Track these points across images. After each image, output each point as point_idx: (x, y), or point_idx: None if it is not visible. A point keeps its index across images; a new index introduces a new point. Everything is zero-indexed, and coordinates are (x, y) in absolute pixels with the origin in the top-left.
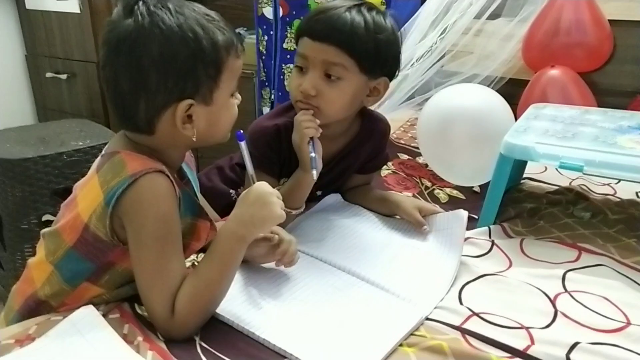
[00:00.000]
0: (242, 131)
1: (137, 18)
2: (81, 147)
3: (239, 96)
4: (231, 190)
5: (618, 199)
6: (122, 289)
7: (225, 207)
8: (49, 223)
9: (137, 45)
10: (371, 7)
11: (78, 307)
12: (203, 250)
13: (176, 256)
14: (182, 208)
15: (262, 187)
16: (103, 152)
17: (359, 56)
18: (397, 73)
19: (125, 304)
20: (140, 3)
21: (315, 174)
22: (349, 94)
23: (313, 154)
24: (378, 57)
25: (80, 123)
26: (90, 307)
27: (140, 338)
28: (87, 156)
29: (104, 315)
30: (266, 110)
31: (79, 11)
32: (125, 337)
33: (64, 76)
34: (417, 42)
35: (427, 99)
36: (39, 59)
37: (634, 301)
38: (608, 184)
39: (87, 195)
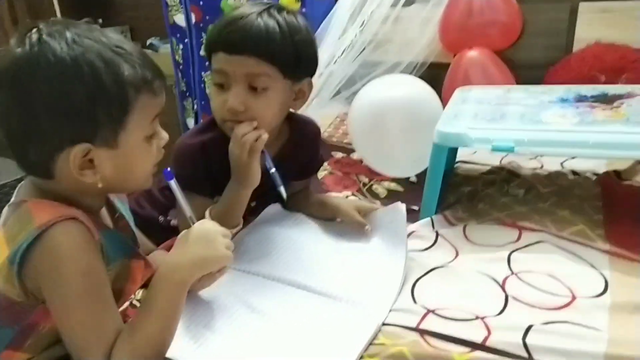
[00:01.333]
0: (169, 168)
1: (24, 48)
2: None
3: (164, 135)
4: (160, 216)
5: (546, 172)
6: (51, 350)
7: (154, 234)
8: None
9: (21, 79)
10: (280, 9)
11: None
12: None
13: (107, 310)
14: (108, 252)
15: (205, 225)
16: (11, 201)
17: (280, 62)
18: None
19: None
20: (34, 30)
21: (283, 190)
22: (278, 102)
23: (273, 169)
24: (298, 59)
25: None
26: None
27: None
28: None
29: None
30: (190, 121)
31: None
32: None
33: None
34: (337, 37)
35: (353, 93)
36: None
37: (576, 273)
38: (535, 158)
39: None
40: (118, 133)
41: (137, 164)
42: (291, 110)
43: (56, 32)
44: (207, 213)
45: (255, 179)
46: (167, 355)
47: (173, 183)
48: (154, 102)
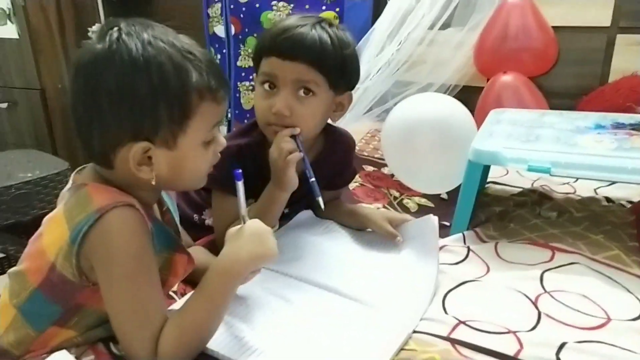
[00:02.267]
0: (240, 170)
1: (104, 44)
2: (30, 179)
3: (222, 141)
4: (195, 215)
5: (579, 197)
6: (94, 331)
7: (188, 232)
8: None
9: (95, 72)
10: (331, 24)
11: (45, 354)
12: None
13: (154, 294)
14: (156, 243)
15: (258, 224)
16: (70, 184)
17: (328, 73)
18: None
19: (99, 344)
20: (115, 29)
21: (321, 200)
22: (321, 110)
23: (313, 179)
24: (344, 72)
25: (27, 153)
26: (63, 352)
27: None
28: (37, 188)
29: (77, 359)
30: (224, 129)
31: (17, 36)
32: None
33: (4, 105)
34: (374, 55)
35: (385, 110)
36: None
37: (610, 296)
38: (567, 183)
39: (52, 232)
40: (178, 135)
41: (192, 166)
42: (328, 121)
43: (134, 32)
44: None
45: (292, 184)
46: (207, 345)
47: (240, 185)
48: (215, 110)
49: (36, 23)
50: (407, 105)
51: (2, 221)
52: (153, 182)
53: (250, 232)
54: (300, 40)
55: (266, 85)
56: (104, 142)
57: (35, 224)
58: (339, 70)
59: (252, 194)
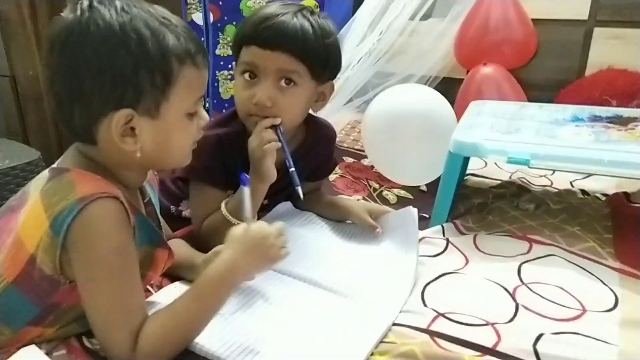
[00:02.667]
0: (247, 175)
1: (76, 14)
2: (0, 169)
3: (205, 116)
4: (172, 206)
5: (556, 190)
6: (69, 327)
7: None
8: None
9: (71, 44)
10: (313, 12)
11: (15, 349)
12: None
13: (134, 290)
14: (137, 237)
15: (263, 229)
16: (53, 165)
17: (311, 62)
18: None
19: (72, 338)
20: None
21: (300, 190)
22: (303, 101)
23: (292, 168)
24: (327, 61)
25: None
26: (32, 348)
27: None
28: (7, 177)
29: (48, 354)
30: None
31: None
32: None
33: None
34: (356, 44)
35: (365, 101)
36: None
37: (586, 288)
38: (544, 176)
39: (28, 220)
40: (160, 103)
41: (176, 138)
42: (310, 112)
43: (106, 0)
44: (222, 205)
45: (270, 174)
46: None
47: (246, 190)
48: (196, 76)
49: (7, 9)
50: (387, 96)
51: None
52: (138, 155)
53: (254, 242)
54: (282, 29)
55: (246, 75)
56: (85, 116)
57: None
58: (322, 59)
59: (231, 185)
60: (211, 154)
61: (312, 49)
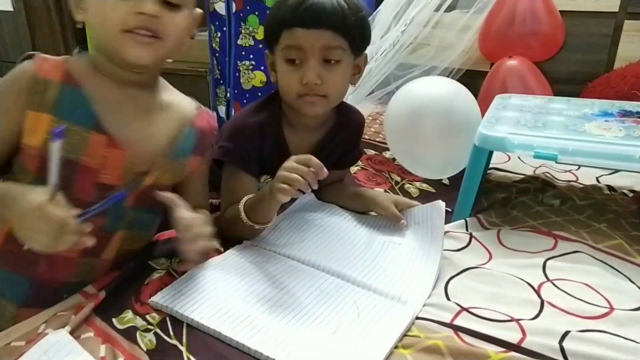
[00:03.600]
0: (60, 129)
1: None
2: None
3: (150, 9)
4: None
5: (582, 185)
6: None
7: None
8: None
9: None
10: None
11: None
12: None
13: None
14: (61, 110)
15: (46, 209)
16: None
17: (350, 36)
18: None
19: (97, 319)
20: None
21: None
22: (347, 75)
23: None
24: (363, 34)
25: None
26: (62, 332)
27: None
28: None
29: (73, 333)
30: (222, 109)
31: (11, 9)
32: None
33: None
34: (379, 36)
35: (387, 93)
36: None
37: (613, 286)
38: (569, 171)
39: None
40: None
41: (97, 15)
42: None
43: None
44: (242, 202)
45: (278, 200)
46: (207, 324)
47: (57, 145)
48: None
49: None
50: (410, 88)
51: None
52: (79, 26)
53: (28, 207)
54: (322, 8)
55: (290, 62)
56: None
57: None
58: (359, 33)
59: (270, 170)
60: (252, 140)
61: (351, 24)
